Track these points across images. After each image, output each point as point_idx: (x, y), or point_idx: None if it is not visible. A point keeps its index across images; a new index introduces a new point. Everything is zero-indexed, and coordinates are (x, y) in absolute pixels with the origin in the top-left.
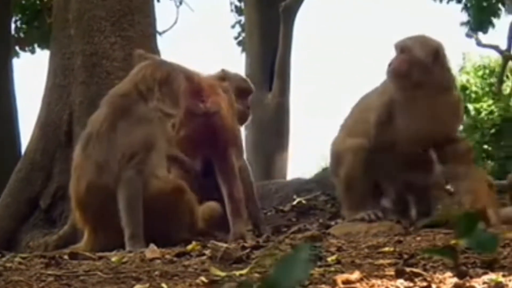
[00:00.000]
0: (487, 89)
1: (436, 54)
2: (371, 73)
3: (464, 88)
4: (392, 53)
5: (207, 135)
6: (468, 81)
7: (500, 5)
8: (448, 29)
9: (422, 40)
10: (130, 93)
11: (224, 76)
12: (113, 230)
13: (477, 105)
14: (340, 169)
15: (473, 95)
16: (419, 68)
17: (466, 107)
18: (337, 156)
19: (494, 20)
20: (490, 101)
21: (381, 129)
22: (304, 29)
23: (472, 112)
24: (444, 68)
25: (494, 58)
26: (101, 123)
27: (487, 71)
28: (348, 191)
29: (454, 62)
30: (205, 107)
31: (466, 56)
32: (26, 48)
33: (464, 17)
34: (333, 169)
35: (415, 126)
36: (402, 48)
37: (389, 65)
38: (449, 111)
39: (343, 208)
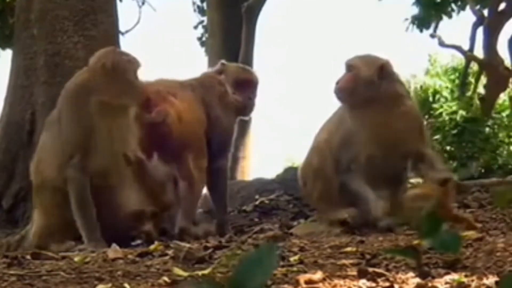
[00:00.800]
0: (456, 92)
1: (380, 70)
2: (336, 72)
3: (435, 92)
4: (354, 51)
5: (157, 142)
6: (440, 86)
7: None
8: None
9: (368, 58)
10: (84, 82)
11: (222, 69)
12: None
13: (438, 106)
14: (313, 194)
15: (442, 99)
16: (365, 84)
17: (431, 108)
18: (305, 180)
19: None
20: (454, 102)
21: (344, 150)
22: (267, 29)
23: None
24: (392, 82)
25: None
26: (53, 112)
27: (456, 74)
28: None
29: (422, 65)
30: (150, 117)
31: (433, 57)
32: None
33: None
34: (306, 193)
35: (374, 141)
36: (349, 66)
37: (336, 83)
38: (404, 120)
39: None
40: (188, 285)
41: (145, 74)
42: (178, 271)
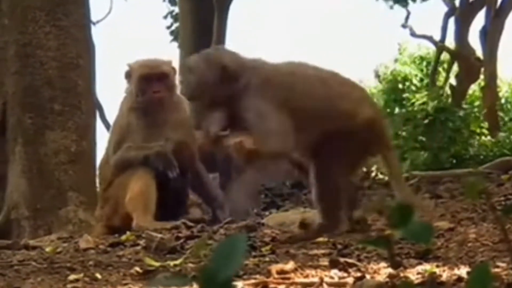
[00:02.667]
0: (426, 80)
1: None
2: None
3: (405, 79)
4: (327, 40)
5: None
6: (410, 73)
7: None
8: (386, 20)
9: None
10: None
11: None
12: None
13: (411, 96)
14: None
15: (413, 87)
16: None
17: (403, 98)
18: None
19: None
20: (425, 92)
21: None
22: (239, 19)
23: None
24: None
25: (432, 48)
26: None
27: (424, 62)
28: None
29: (391, 53)
30: None
31: (402, 46)
32: None
33: None
34: None
35: None
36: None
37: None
38: None
39: None
40: (159, 279)
41: (116, 65)
42: (149, 261)
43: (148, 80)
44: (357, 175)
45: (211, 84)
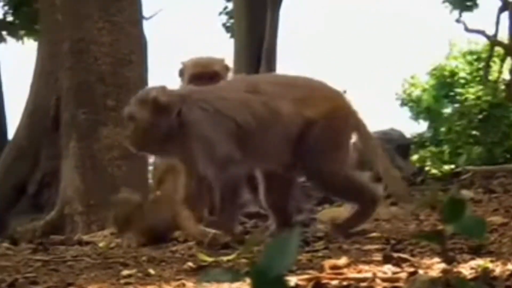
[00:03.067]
0: (475, 74)
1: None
2: (358, 59)
3: (452, 73)
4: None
5: None
6: (456, 66)
7: None
8: (437, 14)
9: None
10: None
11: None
12: None
13: (464, 91)
14: None
15: (461, 81)
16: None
17: (454, 93)
18: None
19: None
20: (478, 87)
21: None
22: (291, 14)
23: (460, 98)
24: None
25: (482, 43)
26: None
27: (474, 56)
28: None
29: (442, 49)
30: None
31: (452, 42)
32: (14, 34)
33: None
34: None
35: None
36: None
37: None
38: None
39: None
40: (211, 273)
41: (169, 60)
42: (202, 256)
43: (200, 79)
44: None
45: (151, 123)
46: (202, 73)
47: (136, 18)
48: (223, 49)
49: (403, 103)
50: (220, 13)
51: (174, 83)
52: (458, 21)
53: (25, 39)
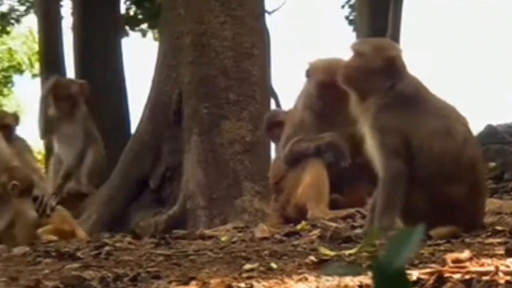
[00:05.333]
0: None
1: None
2: (486, 50)
3: None
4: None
5: None
6: None
7: None
8: None
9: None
10: None
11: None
12: None
13: None
14: None
15: None
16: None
17: None
18: None
19: None
20: None
21: None
22: (415, 8)
23: None
24: None
25: None
26: None
27: None
28: None
29: None
30: None
31: None
32: (136, 28)
33: None
34: None
35: None
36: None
37: None
38: None
39: None
40: (333, 267)
41: (292, 54)
42: (324, 250)
43: (328, 88)
44: None
45: (373, 73)
46: (331, 82)
47: (258, 11)
48: (345, 42)
49: None
50: (343, 6)
51: (296, 77)
52: None
53: (147, 33)
